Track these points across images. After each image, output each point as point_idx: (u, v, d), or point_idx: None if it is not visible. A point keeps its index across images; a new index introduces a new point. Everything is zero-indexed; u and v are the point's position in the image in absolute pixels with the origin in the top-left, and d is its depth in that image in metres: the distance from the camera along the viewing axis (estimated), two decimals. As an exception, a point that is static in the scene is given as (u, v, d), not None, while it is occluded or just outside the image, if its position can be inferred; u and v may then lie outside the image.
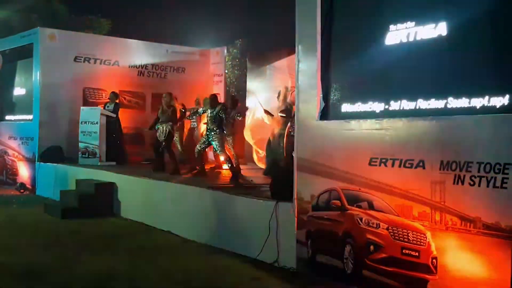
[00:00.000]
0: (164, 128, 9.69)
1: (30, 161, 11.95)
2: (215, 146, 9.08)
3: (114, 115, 11.37)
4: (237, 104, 10.87)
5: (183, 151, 11.43)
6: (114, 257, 6.25)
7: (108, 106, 11.50)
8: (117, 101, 11.72)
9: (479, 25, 4.07)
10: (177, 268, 5.81)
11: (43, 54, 11.71)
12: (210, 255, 6.34)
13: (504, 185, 3.71)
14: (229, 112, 9.84)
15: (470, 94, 4.05)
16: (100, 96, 12.42)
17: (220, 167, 10.48)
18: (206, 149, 9.87)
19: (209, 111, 9.11)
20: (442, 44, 4.32)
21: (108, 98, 11.69)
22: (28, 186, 11.92)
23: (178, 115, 10.32)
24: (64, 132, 11.67)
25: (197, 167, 9.44)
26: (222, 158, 9.34)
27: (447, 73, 4.31)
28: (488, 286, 3.79)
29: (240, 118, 10.20)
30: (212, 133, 8.95)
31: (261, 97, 10.90)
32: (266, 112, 9.74)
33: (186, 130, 11.96)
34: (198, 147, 9.31)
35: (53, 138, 11.47)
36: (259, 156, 10.44)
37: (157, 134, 9.86)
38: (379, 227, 4.60)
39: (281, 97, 9.24)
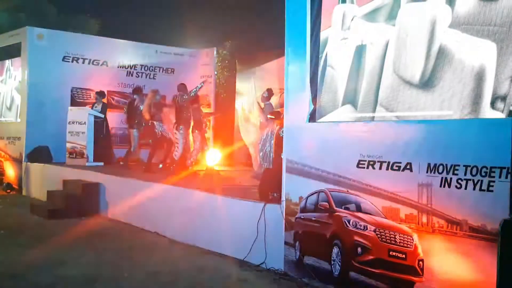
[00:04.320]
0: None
1: (17, 161, 11.83)
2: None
3: (102, 116, 11.32)
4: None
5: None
6: (100, 258, 6.21)
7: (95, 107, 11.44)
8: (104, 101, 11.65)
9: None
10: (164, 270, 5.78)
11: (31, 53, 11.62)
12: (197, 257, 6.32)
13: (490, 188, 3.74)
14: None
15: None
16: (88, 96, 12.34)
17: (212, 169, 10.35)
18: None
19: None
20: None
21: (95, 98, 11.63)
22: (15, 186, 11.80)
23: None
24: (52, 132, 11.52)
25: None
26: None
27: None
28: (473, 288, 3.82)
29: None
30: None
31: (250, 98, 10.87)
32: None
33: None
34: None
35: (40, 138, 11.37)
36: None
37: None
38: (367, 229, 4.62)
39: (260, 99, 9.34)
